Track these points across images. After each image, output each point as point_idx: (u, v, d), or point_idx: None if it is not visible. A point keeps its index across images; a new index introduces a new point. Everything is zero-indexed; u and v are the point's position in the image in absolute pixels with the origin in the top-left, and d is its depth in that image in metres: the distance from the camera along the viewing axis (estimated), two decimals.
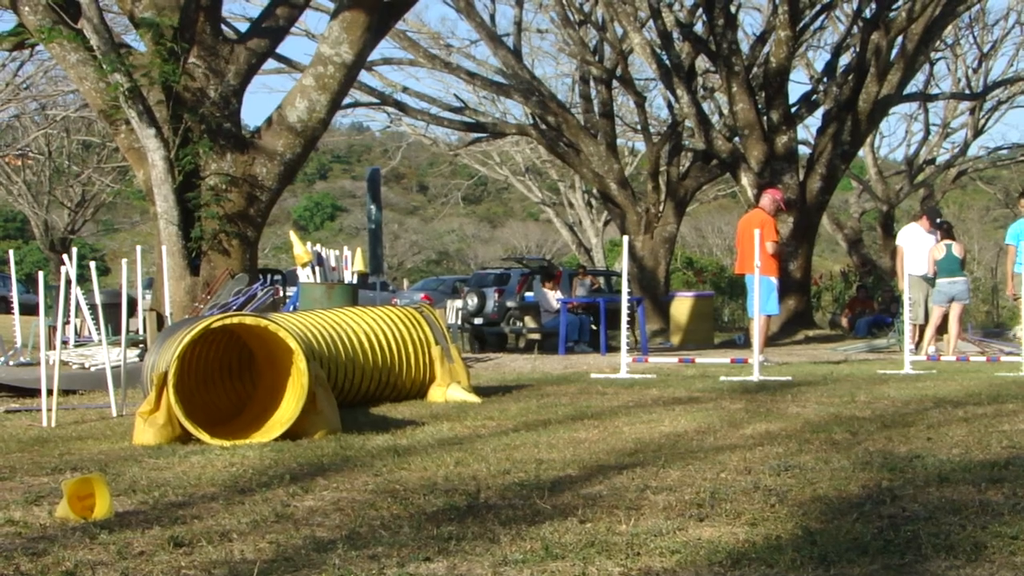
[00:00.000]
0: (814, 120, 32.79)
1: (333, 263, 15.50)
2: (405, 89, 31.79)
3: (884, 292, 28.11)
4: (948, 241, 17.14)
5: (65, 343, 14.56)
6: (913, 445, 6.61)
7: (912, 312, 15.70)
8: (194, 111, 15.66)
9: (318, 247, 15.85)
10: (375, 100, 30.79)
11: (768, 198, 15.76)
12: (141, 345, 14.50)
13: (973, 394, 9.61)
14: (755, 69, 27.31)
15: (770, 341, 16.31)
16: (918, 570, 3.86)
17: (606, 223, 44.68)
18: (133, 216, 61.29)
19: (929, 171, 41.62)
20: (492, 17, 32.01)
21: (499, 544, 4.40)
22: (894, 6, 25.87)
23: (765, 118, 25.42)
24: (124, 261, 11.78)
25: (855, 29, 28.85)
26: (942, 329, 17.13)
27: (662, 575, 3.91)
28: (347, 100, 24.30)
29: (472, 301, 24.03)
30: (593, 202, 45.31)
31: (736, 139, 25.76)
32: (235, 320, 8.38)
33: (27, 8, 15.76)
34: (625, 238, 15.62)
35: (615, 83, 30.11)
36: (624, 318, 14.09)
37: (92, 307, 14.58)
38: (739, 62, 25.29)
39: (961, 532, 4.30)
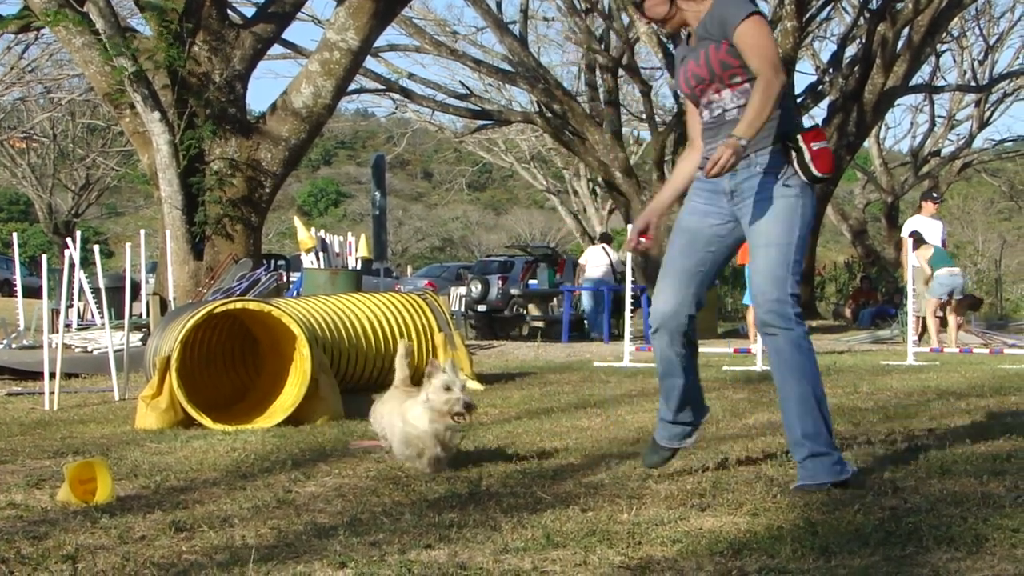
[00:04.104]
0: (820, 111, 32.82)
1: (337, 249, 15.50)
2: (411, 76, 31.79)
3: (888, 283, 28.10)
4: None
5: (68, 326, 14.58)
6: (915, 437, 6.60)
7: (916, 303, 15.69)
8: (199, 96, 15.65)
9: (322, 233, 15.86)
10: (381, 86, 30.80)
11: None
12: (144, 329, 14.51)
13: (976, 386, 9.60)
14: None
15: None
16: (919, 562, 3.85)
17: (611, 211, 44.66)
18: (137, 200, 61.26)
19: (934, 163, 41.60)
20: (499, 4, 31.96)
21: (500, 532, 4.40)
22: None
23: None
24: (128, 245, 11.80)
25: (861, 20, 28.81)
26: (945, 320, 17.14)
27: (663, 564, 3.91)
28: (352, 86, 24.28)
29: (476, 288, 24.02)
30: (598, 190, 45.29)
31: None
32: (238, 305, 8.38)
33: None
34: (630, 227, 15.64)
35: (621, 72, 30.09)
36: (628, 307, 14.12)
37: (95, 291, 14.60)
38: None
39: (962, 524, 4.29)
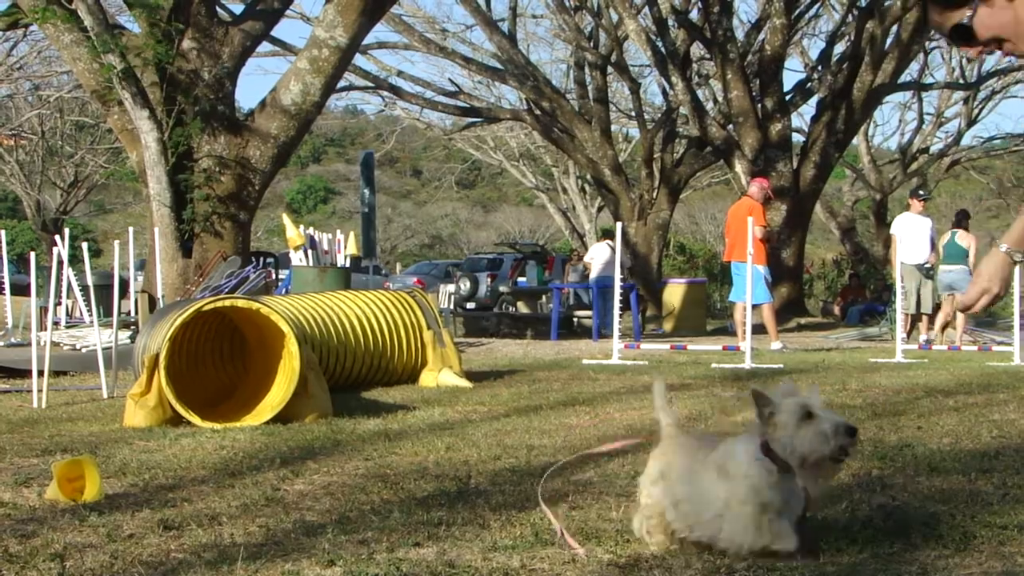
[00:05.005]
0: (808, 108, 32.88)
1: (326, 246, 15.47)
2: (400, 73, 31.79)
3: (876, 280, 28.15)
4: (955, 230, 17.37)
5: (56, 324, 14.55)
6: (904, 434, 6.61)
7: (904, 301, 15.72)
8: (188, 93, 15.63)
9: (311, 230, 15.83)
10: (370, 84, 30.78)
11: (756, 186, 15.85)
12: (133, 327, 14.49)
13: (964, 383, 9.62)
14: (750, 57, 27.31)
15: (760, 328, 16.31)
16: (907, 559, 3.86)
17: (599, 209, 44.66)
18: (126, 197, 61.13)
19: (922, 160, 41.66)
20: (488, 2, 31.93)
21: (489, 530, 4.40)
22: None
23: (759, 106, 25.43)
24: (116, 242, 11.77)
25: (850, 17, 28.83)
26: (934, 317, 17.20)
27: (652, 563, 3.91)
28: (341, 83, 24.25)
29: (465, 285, 24.06)
30: (587, 188, 45.29)
31: (730, 126, 25.77)
32: (227, 303, 8.36)
33: None
34: (618, 224, 15.64)
35: (610, 69, 30.09)
36: (616, 304, 14.12)
37: (84, 288, 14.58)
38: (734, 49, 25.27)
39: (951, 522, 4.30)
